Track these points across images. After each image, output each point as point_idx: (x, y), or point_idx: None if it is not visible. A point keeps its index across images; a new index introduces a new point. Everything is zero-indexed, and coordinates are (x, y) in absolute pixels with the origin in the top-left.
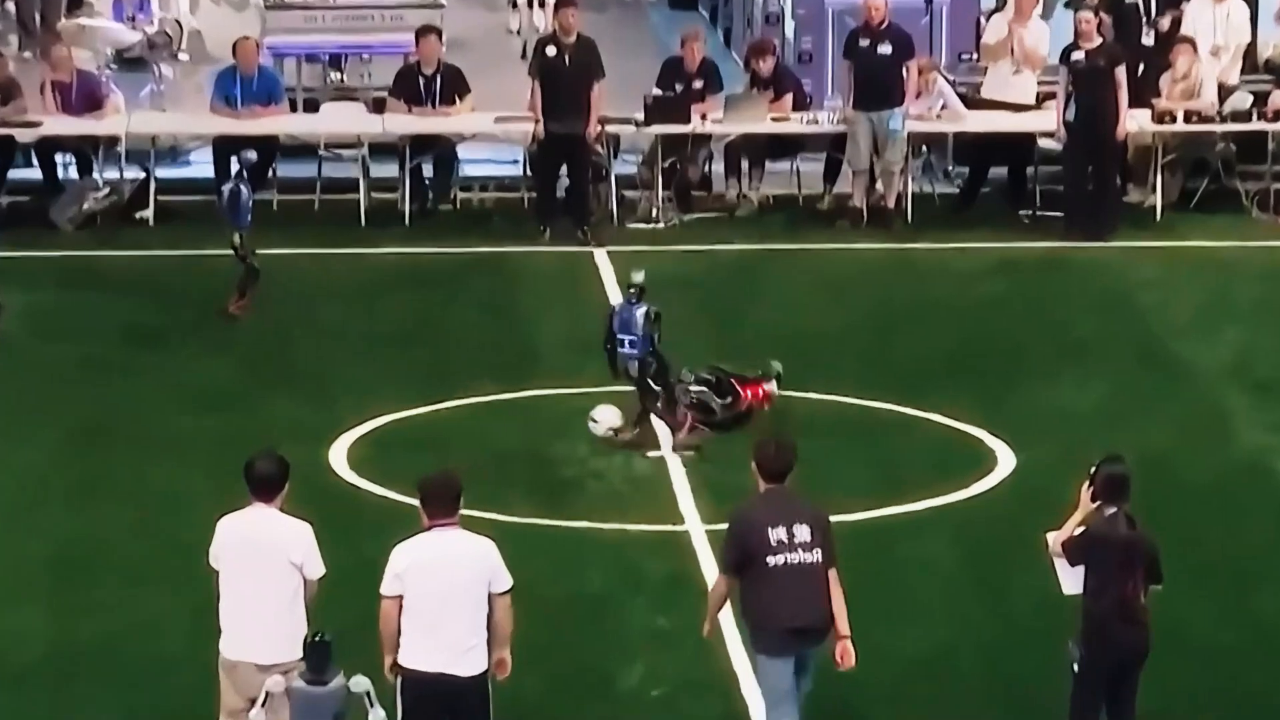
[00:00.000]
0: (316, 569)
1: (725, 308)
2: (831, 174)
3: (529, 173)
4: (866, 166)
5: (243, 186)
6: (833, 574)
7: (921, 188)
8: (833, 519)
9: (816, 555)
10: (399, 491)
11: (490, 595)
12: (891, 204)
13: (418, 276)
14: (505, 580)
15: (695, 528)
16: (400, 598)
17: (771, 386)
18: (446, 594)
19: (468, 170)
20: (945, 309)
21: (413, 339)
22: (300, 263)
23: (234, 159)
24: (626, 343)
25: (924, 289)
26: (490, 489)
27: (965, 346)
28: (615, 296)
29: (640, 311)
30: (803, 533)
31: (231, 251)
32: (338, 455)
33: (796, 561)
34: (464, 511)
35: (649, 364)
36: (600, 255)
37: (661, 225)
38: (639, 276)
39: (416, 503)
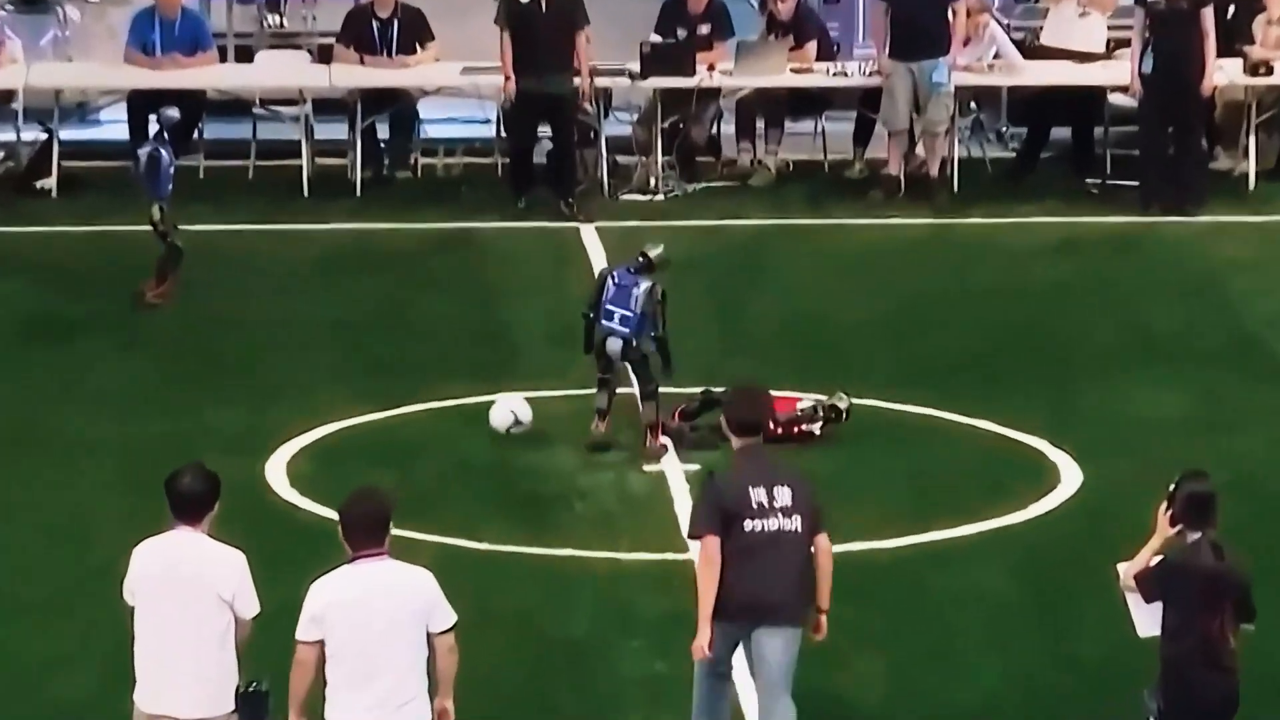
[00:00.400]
0: (250, 605)
1: (735, 293)
2: (863, 136)
3: (503, 134)
4: (905, 127)
5: (163, 150)
6: (822, 540)
7: (970, 152)
8: (862, 546)
9: (797, 523)
10: None
11: (429, 635)
12: (934, 171)
13: (372, 257)
14: (447, 617)
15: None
16: (320, 644)
17: (813, 428)
18: (377, 637)
19: (430, 131)
20: (997, 296)
21: (366, 331)
22: (232, 240)
23: (153, 118)
24: (616, 317)
25: (972, 272)
26: (458, 509)
27: (1021, 340)
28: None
29: (644, 286)
30: (783, 496)
31: (150, 227)
32: (276, 469)
33: (775, 529)
34: (428, 538)
35: (635, 348)
36: (588, 232)
37: (661, 196)
38: (655, 251)
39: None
